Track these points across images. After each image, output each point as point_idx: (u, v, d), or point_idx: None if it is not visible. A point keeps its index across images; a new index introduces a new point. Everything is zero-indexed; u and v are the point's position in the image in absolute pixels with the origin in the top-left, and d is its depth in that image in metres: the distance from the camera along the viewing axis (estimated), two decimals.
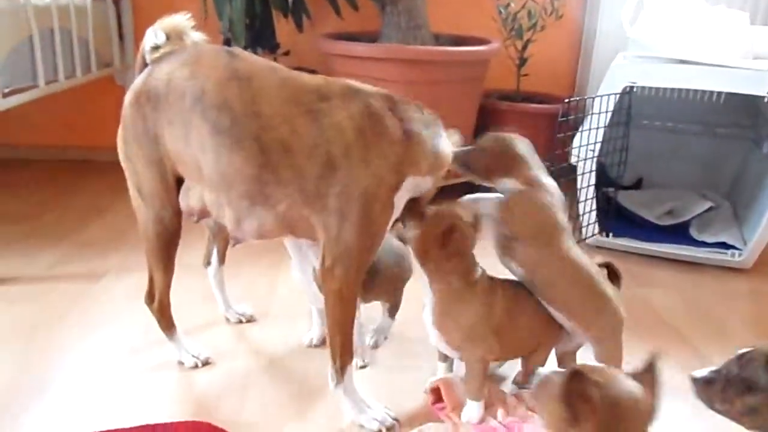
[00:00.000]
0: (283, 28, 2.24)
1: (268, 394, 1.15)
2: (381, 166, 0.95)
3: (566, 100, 1.67)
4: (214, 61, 0.98)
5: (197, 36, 1.06)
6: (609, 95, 1.72)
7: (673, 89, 2.05)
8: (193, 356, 1.21)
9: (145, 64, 1.05)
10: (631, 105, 1.84)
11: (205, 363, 1.22)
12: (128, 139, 1.06)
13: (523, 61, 2.30)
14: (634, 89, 1.74)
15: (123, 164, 1.10)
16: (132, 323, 1.36)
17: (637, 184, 2.24)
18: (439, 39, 2.19)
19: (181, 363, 1.22)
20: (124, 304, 1.44)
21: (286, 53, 2.25)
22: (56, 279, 1.53)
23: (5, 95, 1.53)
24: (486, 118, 2.27)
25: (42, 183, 2.24)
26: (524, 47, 2.27)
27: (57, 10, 1.77)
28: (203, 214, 1.07)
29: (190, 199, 1.06)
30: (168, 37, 1.02)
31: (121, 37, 2.29)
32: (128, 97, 1.05)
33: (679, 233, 1.91)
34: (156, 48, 1.03)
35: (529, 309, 1.08)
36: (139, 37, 2.40)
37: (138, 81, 1.04)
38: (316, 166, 0.94)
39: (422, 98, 1.97)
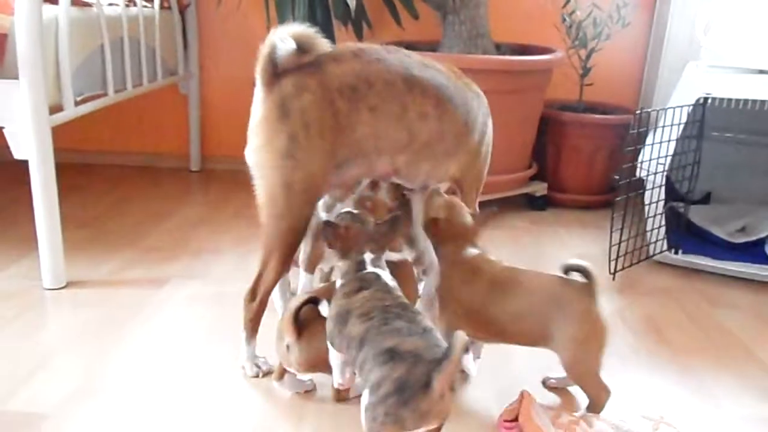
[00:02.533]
0: (342, 36, 2.24)
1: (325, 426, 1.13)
2: None
3: (637, 112, 1.61)
4: (377, 54, 1.13)
5: (325, 42, 1.10)
6: (682, 107, 1.65)
7: (745, 99, 1.96)
8: (257, 366, 1.21)
9: (275, 71, 1.09)
10: (705, 117, 1.76)
11: (266, 374, 1.21)
12: (303, 135, 1.09)
13: (586, 71, 2.24)
14: (709, 101, 1.66)
15: (280, 162, 1.11)
16: (194, 330, 1.36)
17: (706, 199, 2.14)
18: (500, 48, 2.15)
19: (242, 368, 1.22)
20: (187, 311, 1.45)
21: None
22: (120, 284, 1.56)
23: (77, 103, 1.57)
24: (548, 128, 2.22)
25: (106, 188, 2.29)
26: (588, 56, 2.21)
27: (127, 19, 1.81)
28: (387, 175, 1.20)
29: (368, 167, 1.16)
30: (297, 45, 1.06)
31: (185, 46, 2.33)
32: (309, 97, 1.08)
33: (752, 251, 1.82)
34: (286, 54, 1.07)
35: (521, 300, 1.11)
36: (203, 46, 2.47)
37: (312, 82, 1.09)
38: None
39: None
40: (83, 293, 1.50)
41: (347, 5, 2.00)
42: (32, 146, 1.40)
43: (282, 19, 1.99)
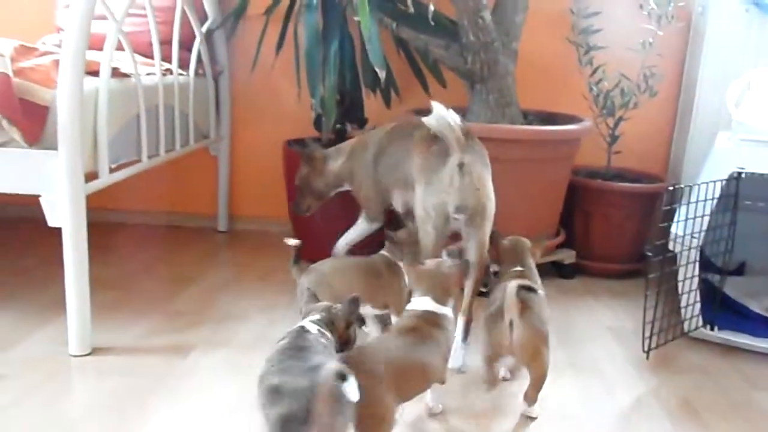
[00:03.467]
0: (371, 103, 2.28)
1: None
2: None
3: (670, 188, 1.59)
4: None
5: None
6: (715, 182, 1.63)
7: None
8: None
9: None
10: (739, 191, 1.73)
11: None
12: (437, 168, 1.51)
13: (614, 139, 2.23)
14: (743, 175, 1.64)
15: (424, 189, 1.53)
16: (219, 401, 1.34)
17: (740, 270, 2.09)
18: (527, 116, 2.17)
19: None
20: (212, 379, 1.44)
21: (374, 128, 2.27)
22: (145, 352, 1.55)
23: (111, 170, 1.60)
24: (576, 195, 2.20)
25: (134, 248, 2.32)
26: (616, 125, 2.21)
27: (163, 88, 1.86)
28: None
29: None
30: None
31: (217, 110, 2.38)
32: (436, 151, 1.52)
33: None
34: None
35: None
36: (235, 110, 2.53)
37: (449, 134, 1.48)
38: None
39: (510, 176, 1.95)
40: (108, 360, 1.50)
41: (376, 73, 2.04)
42: (67, 214, 1.42)
43: (312, 86, 2.02)
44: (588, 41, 2.19)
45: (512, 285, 1.27)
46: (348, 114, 2.20)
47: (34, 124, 1.41)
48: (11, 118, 1.36)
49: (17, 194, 1.45)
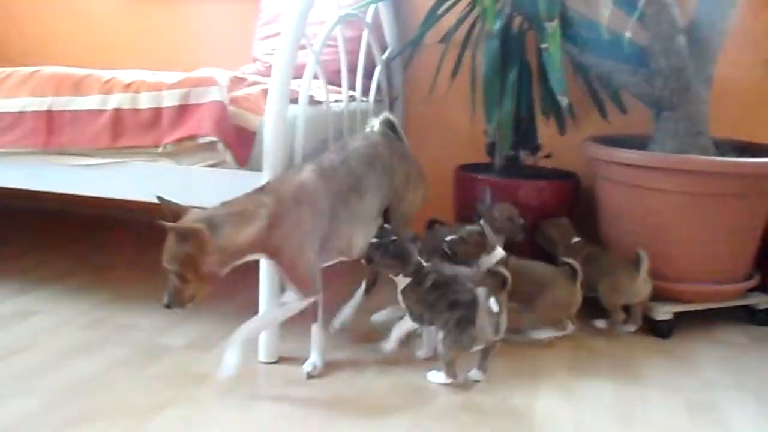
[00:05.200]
0: (544, 129, 2.24)
1: None
2: None
3: None
4: None
5: None
6: None
7: None
8: None
9: None
10: None
11: None
12: None
13: None
14: None
15: None
16: (399, 421, 1.37)
17: None
18: (719, 146, 2.01)
19: None
20: (392, 401, 1.47)
21: (548, 156, 2.24)
22: (328, 366, 1.62)
23: None
24: None
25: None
26: None
27: (348, 114, 1.96)
28: None
29: None
30: None
31: None
32: None
33: None
34: None
35: None
36: (408, 135, 2.59)
37: None
38: None
39: (701, 211, 1.82)
40: (294, 371, 1.58)
41: (553, 99, 2.01)
42: None
43: (489, 112, 2.03)
44: None
45: None
46: (522, 140, 2.18)
47: (244, 147, 1.55)
48: (226, 141, 1.51)
49: None
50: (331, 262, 1.56)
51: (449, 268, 1.58)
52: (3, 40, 2.95)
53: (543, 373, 1.63)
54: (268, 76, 1.92)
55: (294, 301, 1.46)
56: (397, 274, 1.57)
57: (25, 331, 1.73)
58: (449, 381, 1.52)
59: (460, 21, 2.18)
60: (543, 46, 1.79)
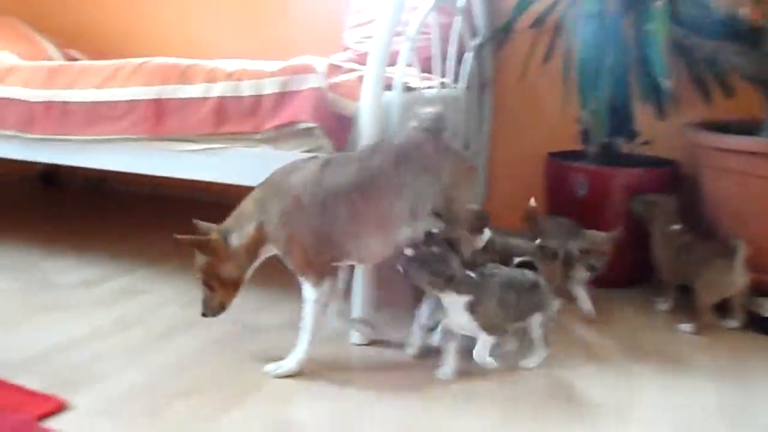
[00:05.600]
0: (642, 115, 2.16)
1: None
2: None
3: None
4: None
5: None
6: None
7: None
8: None
9: None
10: None
11: None
12: None
13: None
14: None
15: None
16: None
17: None
18: None
19: None
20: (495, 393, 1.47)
21: (646, 143, 2.15)
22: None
23: None
24: None
25: None
26: None
27: (440, 100, 1.96)
28: None
29: None
30: None
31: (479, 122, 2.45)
32: None
33: None
34: None
35: None
36: (495, 123, 2.57)
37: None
38: None
39: None
40: (387, 353, 1.61)
41: (651, 84, 1.93)
42: None
43: (584, 98, 1.97)
44: None
45: None
46: (618, 127, 2.11)
47: (340, 133, 1.58)
48: (324, 127, 1.54)
49: None
50: (343, 263, 1.48)
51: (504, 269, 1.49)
52: (109, 33, 3.13)
53: (643, 371, 1.58)
54: (359, 63, 1.95)
55: (308, 294, 1.45)
56: (442, 291, 1.38)
57: (131, 309, 1.84)
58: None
59: (553, 5, 2.13)
60: (647, 28, 1.72)
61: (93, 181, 3.29)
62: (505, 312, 1.44)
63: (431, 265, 1.35)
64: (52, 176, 3.38)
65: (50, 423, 1.27)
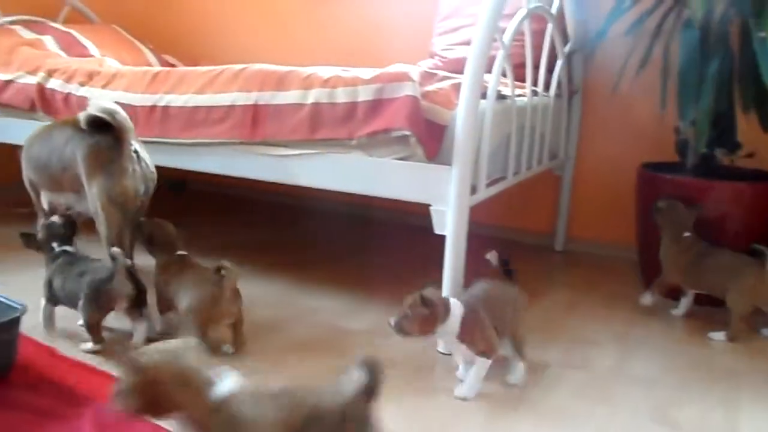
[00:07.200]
0: (744, 126, 2.05)
1: None
2: None
3: None
4: None
5: None
6: None
7: None
8: None
9: None
10: None
11: None
12: None
13: None
14: None
15: None
16: (581, 426, 1.33)
17: None
18: None
19: None
20: (572, 402, 1.43)
21: (749, 155, 2.05)
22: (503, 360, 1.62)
23: (487, 185, 1.71)
24: None
25: (475, 257, 2.46)
26: None
27: (531, 108, 1.93)
28: None
29: None
30: None
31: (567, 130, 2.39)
32: None
33: None
34: None
35: None
36: (583, 131, 2.51)
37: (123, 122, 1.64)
38: None
39: None
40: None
41: (759, 94, 1.83)
42: (452, 223, 1.56)
43: (684, 107, 1.90)
44: None
45: None
46: (719, 138, 2.02)
47: (434, 141, 1.57)
48: (418, 135, 1.54)
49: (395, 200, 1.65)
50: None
51: None
52: (202, 39, 3.25)
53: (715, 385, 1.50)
54: (447, 71, 1.95)
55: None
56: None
57: None
58: None
59: (650, 11, 2.06)
60: (761, 34, 1.64)
61: (174, 182, 3.42)
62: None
63: None
64: None
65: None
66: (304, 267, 2.26)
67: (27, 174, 1.88)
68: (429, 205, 1.59)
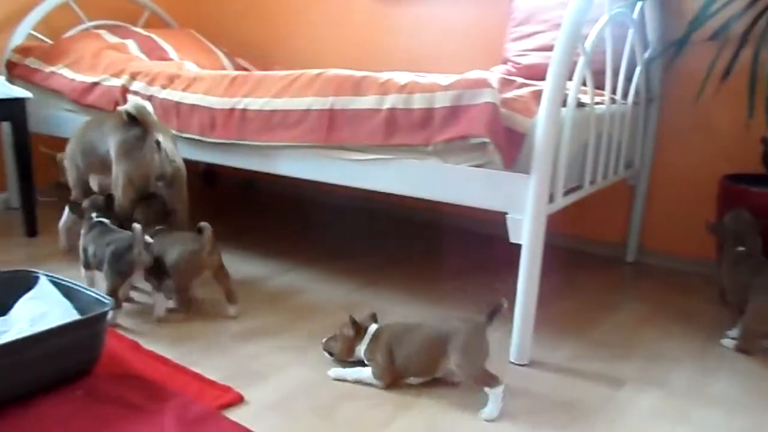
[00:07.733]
0: None
1: None
2: None
3: None
4: None
5: None
6: None
7: None
8: None
9: None
10: None
11: None
12: None
13: None
14: None
15: None
16: None
17: None
18: None
19: None
20: (650, 421, 1.39)
21: None
22: (577, 375, 1.58)
23: (564, 194, 1.68)
24: None
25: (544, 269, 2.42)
26: None
27: (609, 116, 1.88)
28: None
29: None
30: None
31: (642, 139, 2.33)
32: None
33: None
34: None
35: None
36: (660, 140, 2.43)
37: (147, 118, 1.91)
38: None
39: None
40: (543, 376, 1.57)
41: None
42: (528, 233, 1.54)
43: None
44: None
45: None
46: None
47: (513, 149, 1.56)
48: (497, 143, 1.53)
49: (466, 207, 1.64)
50: None
51: None
52: (273, 43, 3.32)
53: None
54: (521, 77, 1.92)
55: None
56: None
57: (295, 306, 1.93)
58: None
59: (737, 16, 1.98)
60: None
61: (243, 182, 3.49)
62: None
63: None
64: (212, 176, 3.64)
65: (227, 414, 1.35)
66: (372, 270, 2.27)
67: (73, 156, 2.15)
68: (505, 213, 1.58)
